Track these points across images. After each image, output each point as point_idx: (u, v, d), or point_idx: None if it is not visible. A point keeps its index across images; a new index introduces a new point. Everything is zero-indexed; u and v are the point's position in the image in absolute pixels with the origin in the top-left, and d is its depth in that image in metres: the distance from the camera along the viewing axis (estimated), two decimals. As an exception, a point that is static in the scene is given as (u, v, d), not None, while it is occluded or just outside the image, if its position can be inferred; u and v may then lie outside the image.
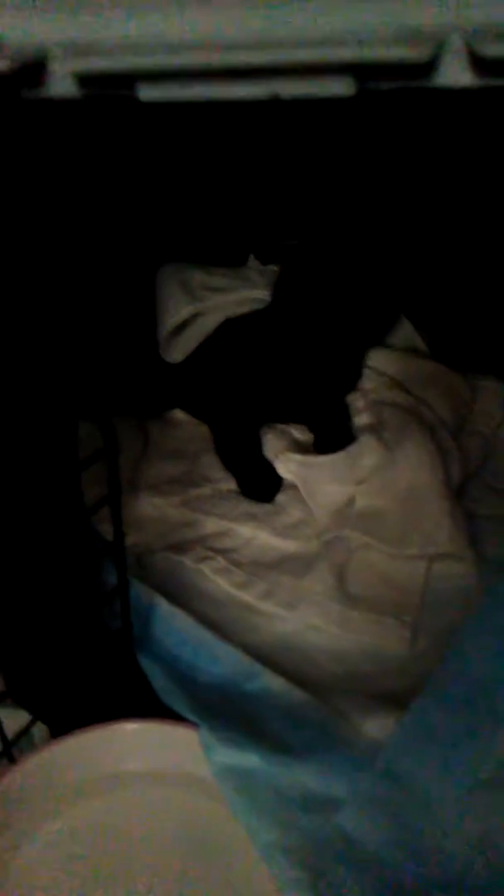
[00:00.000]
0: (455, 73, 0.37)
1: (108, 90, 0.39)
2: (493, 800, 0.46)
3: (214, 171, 0.87)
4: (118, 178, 0.84)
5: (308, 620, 0.66)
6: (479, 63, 0.36)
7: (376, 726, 0.54)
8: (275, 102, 0.39)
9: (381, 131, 0.81)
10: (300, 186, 0.86)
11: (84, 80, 0.38)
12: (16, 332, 0.48)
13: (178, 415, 0.90)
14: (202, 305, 0.83)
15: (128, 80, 0.38)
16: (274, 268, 0.89)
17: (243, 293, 0.84)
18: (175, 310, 0.84)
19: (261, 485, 0.79)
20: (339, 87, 0.38)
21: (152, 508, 0.77)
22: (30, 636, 0.55)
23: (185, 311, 0.83)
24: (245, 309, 0.83)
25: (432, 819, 0.46)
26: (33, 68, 0.36)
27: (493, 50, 0.36)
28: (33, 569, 0.54)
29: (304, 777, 0.50)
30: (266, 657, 0.62)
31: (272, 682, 0.59)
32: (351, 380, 0.82)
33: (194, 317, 0.84)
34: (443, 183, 0.84)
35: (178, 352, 0.86)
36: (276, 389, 0.81)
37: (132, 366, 0.87)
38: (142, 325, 0.88)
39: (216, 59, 0.37)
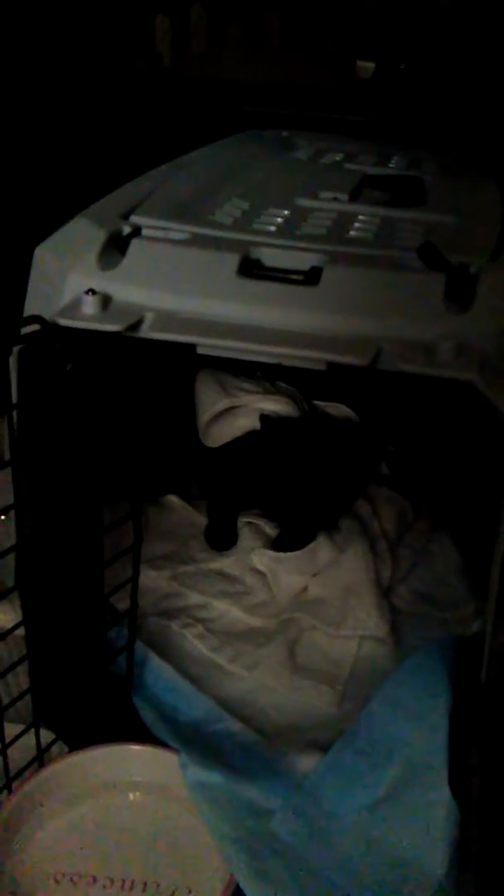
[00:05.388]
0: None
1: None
2: (377, 815, 0.67)
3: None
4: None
5: (263, 681, 0.85)
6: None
7: (306, 763, 0.73)
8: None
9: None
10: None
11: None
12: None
13: (173, 500, 1.09)
14: (237, 400, 0.99)
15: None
16: (281, 384, 1.08)
17: (269, 396, 0.98)
18: (212, 402, 1.00)
19: (220, 538, 1.01)
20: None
21: (147, 580, 0.94)
22: (57, 680, 0.74)
23: (221, 405, 0.98)
24: (271, 407, 0.98)
25: (337, 826, 0.67)
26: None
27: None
28: (62, 635, 0.73)
29: (252, 793, 0.69)
30: (229, 706, 0.81)
31: (233, 726, 0.79)
32: (341, 503, 1.01)
33: (228, 410, 1.00)
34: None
35: (213, 439, 1.01)
36: (274, 488, 0.98)
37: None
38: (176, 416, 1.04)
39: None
